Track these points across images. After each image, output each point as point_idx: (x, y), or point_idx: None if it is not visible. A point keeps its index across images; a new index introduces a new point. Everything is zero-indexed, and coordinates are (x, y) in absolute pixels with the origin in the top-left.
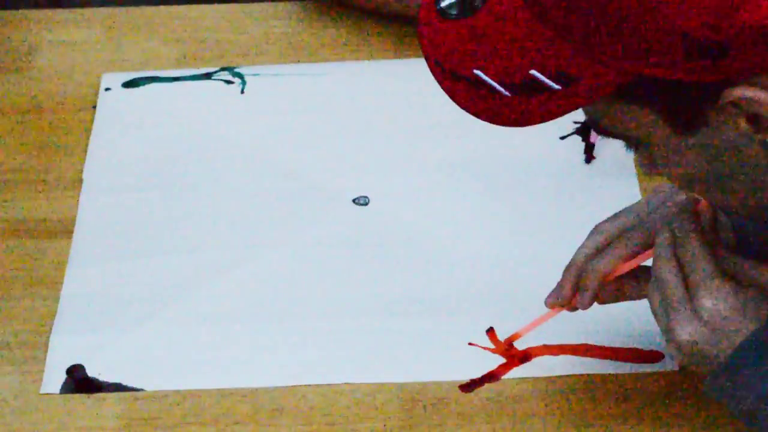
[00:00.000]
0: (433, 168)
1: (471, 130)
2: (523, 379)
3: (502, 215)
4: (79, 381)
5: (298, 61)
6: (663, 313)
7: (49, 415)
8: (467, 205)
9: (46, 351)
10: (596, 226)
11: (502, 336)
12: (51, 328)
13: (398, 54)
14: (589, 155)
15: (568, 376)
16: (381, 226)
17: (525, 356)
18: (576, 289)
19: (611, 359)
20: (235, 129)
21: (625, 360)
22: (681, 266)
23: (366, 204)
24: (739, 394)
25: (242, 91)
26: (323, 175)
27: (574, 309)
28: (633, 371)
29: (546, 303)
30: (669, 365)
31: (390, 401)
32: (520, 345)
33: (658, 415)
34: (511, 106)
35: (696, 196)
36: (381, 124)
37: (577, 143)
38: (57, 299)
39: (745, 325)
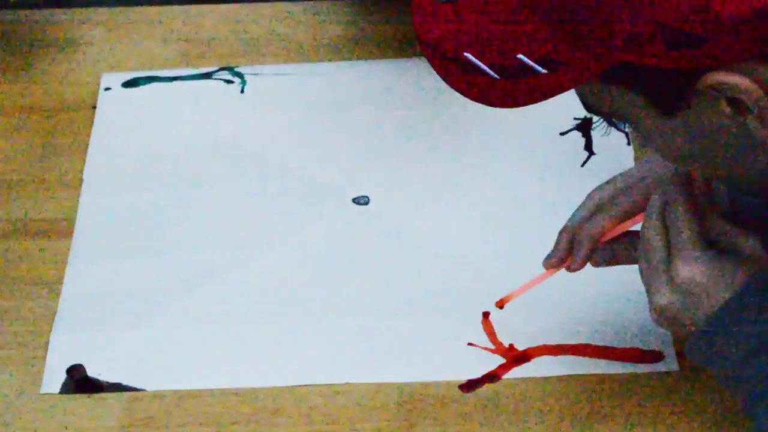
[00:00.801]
0: (433, 168)
1: (471, 130)
2: (523, 379)
3: (503, 215)
4: (79, 381)
5: (298, 61)
6: (646, 276)
7: (49, 415)
8: (467, 205)
9: (46, 351)
10: (590, 192)
11: (496, 319)
12: (51, 328)
13: (398, 54)
14: (589, 148)
15: (567, 376)
16: (381, 226)
17: (524, 356)
18: (570, 251)
19: (611, 359)
20: (235, 129)
21: (625, 360)
22: (667, 231)
23: (366, 204)
24: (716, 359)
25: (242, 91)
26: (323, 175)
27: (570, 269)
28: (633, 371)
29: (543, 264)
30: (669, 365)
31: (390, 401)
32: (519, 345)
33: (658, 415)
34: (500, 88)
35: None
36: (381, 124)
37: (578, 141)
38: (57, 299)
39: (720, 292)
